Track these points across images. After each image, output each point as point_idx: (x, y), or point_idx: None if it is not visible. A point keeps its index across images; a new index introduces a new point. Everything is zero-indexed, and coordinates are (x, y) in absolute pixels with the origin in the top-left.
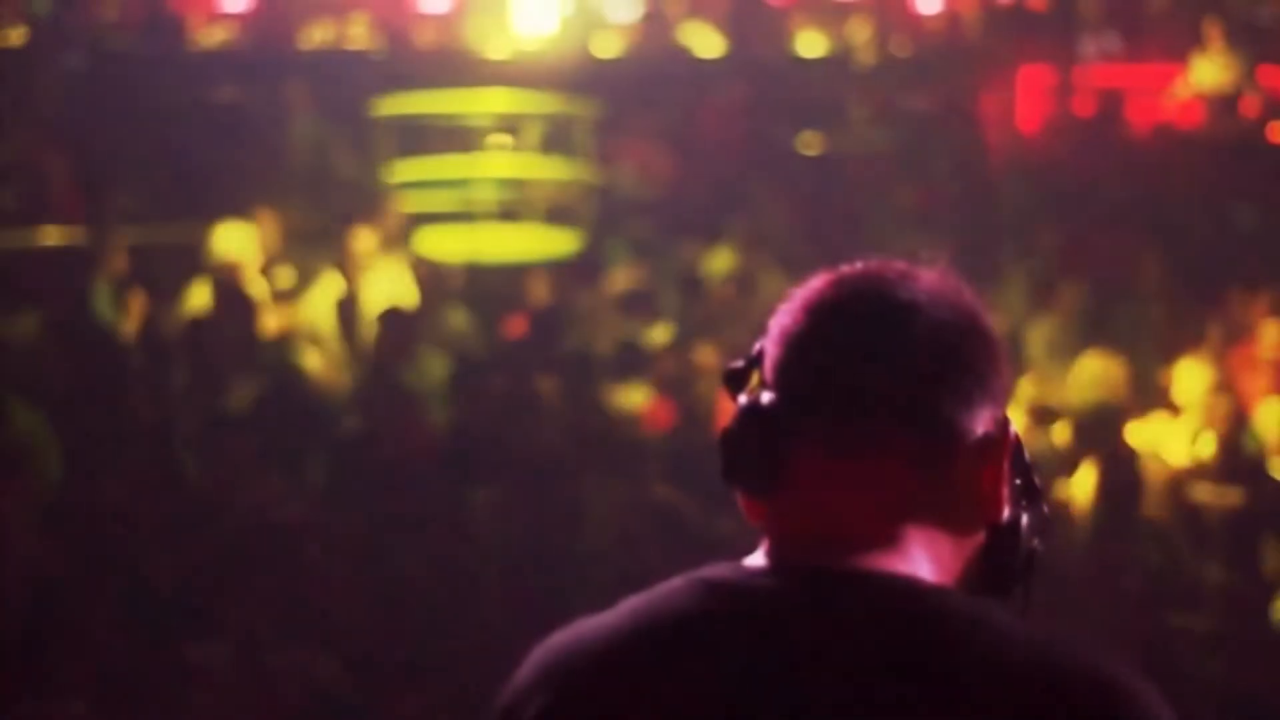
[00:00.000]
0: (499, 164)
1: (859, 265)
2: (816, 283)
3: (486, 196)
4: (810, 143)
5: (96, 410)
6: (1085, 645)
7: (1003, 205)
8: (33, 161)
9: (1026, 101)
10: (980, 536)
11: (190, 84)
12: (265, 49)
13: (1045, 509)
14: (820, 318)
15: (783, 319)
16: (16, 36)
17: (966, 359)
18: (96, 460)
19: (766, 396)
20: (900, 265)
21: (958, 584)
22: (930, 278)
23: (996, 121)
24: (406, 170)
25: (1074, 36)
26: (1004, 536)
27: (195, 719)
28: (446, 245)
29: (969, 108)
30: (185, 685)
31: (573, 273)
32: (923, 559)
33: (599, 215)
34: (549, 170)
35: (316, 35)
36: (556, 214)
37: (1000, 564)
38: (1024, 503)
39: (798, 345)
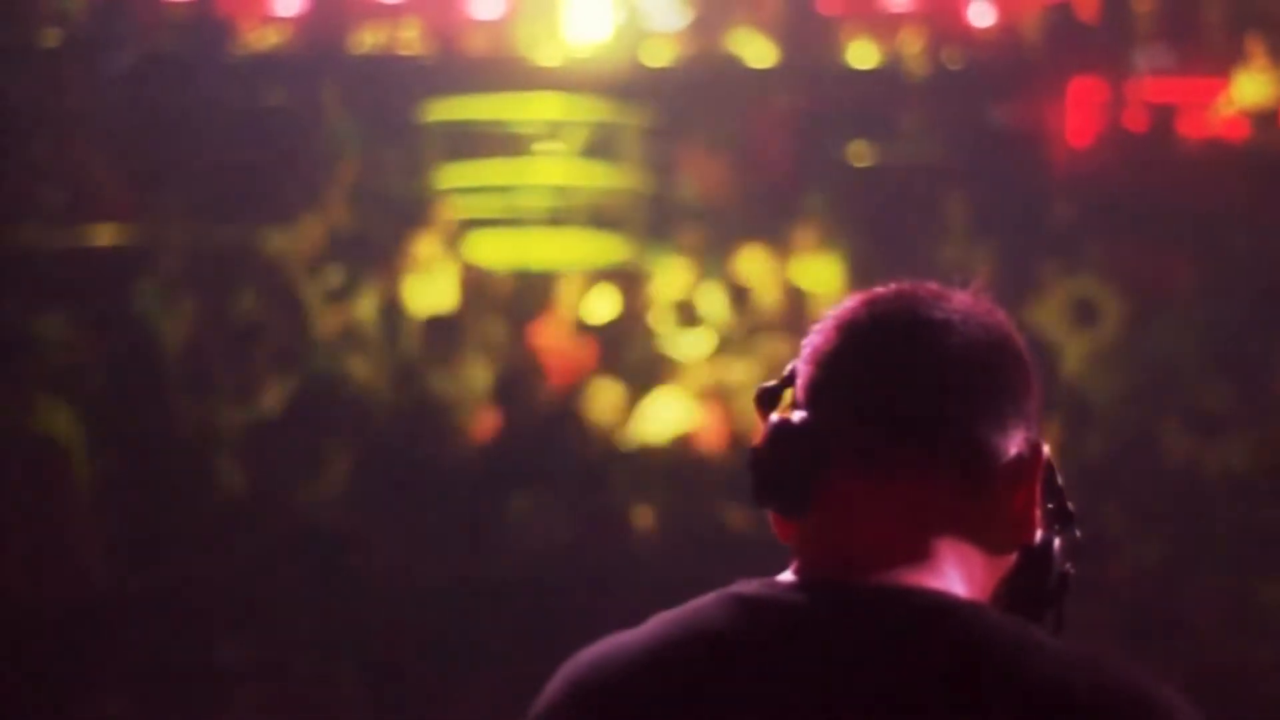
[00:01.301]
0: (548, 170)
1: (892, 285)
2: (849, 302)
3: (535, 203)
4: (861, 154)
5: (136, 411)
6: (1121, 663)
7: (1053, 219)
8: (81, 161)
9: (1078, 115)
10: (1013, 557)
11: (239, 87)
12: (315, 53)
13: (1078, 532)
14: (852, 337)
15: (815, 338)
16: (56, 37)
17: (999, 379)
18: (134, 461)
19: (798, 416)
20: (933, 285)
21: (990, 605)
22: (963, 298)
23: (1047, 135)
24: (455, 175)
25: (1126, 50)
26: (1036, 559)
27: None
28: (494, 251)
29: (1020, 121)
30: (217, 687)
31: (620, 281)
32: (956, 576)
33: (648, 223)
34: (598, 177)
35: (367, 39)
36: (605, 221)
37: (1032, 586)
38: (1057, 526)
39: (830, 364)
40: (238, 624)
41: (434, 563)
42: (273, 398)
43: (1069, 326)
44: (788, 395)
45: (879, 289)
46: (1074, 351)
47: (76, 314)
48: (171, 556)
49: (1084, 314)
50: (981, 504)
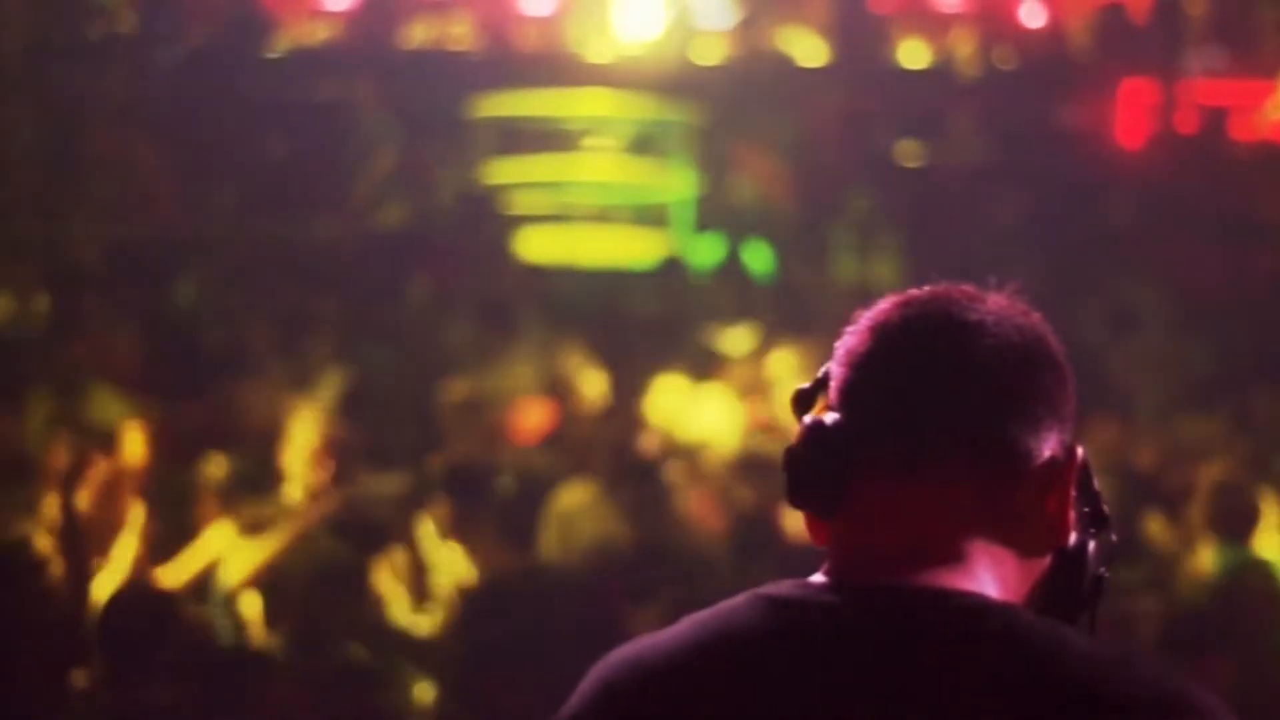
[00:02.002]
0: (597, 166)
1: (927, 288)
2: (883, 304)
3: (584, 199)
4: (910, 153)
5: (181, 401)
6: (1155, 664)
7: (1103, 221)
8: (131, 154)
9: (1128, 116)
10: (1047, 560)
11: (289, 81)
12: (365, 47)
13: (1113, 535)
14: (886, 339)
15: (849, 340)
16: (107, 32)
17: (1032, 381)
18: (181, 450)
19: (831, 417)
20: (968, 288)
21: (1024, 607)
22: (998, 300)
23: (1098, 136)
24: (505, 171)
25: (1178, 52)
26: (1070, 561)
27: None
28: (543, 246)
29: (1071, 122)
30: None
31: (669, 278)
32: (988, 578)
33: (696, 221)
34: (646, 174)
35: (418, 35)
36: (653, 218)
37: (1066, 589)
38: (1092, 529)
39: (863, 366)
40: (275, 613)
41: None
42: (321, 391)
43: (1115, 328)
44: (823, 398)
45: (913, 291)
46: (1120, 353)
47: (124, 304)
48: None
49: (1132, 316)
50: (1014, 506)
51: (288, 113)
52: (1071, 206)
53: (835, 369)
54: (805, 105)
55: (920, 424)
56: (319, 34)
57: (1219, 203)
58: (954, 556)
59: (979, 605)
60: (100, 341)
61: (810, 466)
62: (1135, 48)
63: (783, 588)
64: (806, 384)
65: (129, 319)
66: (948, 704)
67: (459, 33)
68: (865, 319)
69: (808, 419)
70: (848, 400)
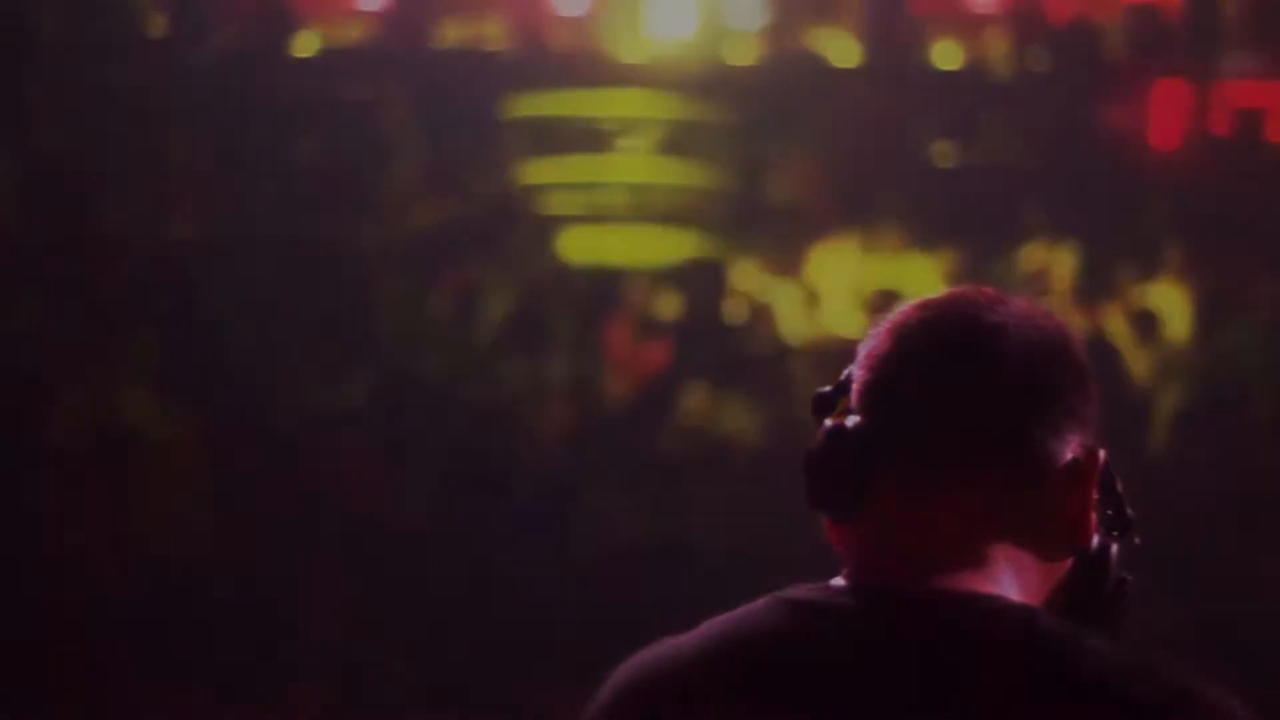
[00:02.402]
0: (630, 167)
1: (947, 290)
2: (905, 307)
3: (616, 200)
4: (944, 154)
5: (219, 402)
6: (1177, 668)
7: (1135, 223)
8: (165, 153)
9: (1163, 118)
10: (1068, 563)
11: (320, 80)
12: (397, 47)
13: (1137, 539)
14: (907, 341)
15: (870, 343)
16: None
17: (1055, 383)
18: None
19: (851, 420)
20: (990, 290)
21: (1045, 610)
22: (1020, 302)
23: (1132, 138)
24: (537, 171)
25: (1212, 53)
26: (1091, 564)
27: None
28: (575, 247)
29: (1104, 123)
30: (289, 678)
31: (700, 278)
32: (1009, 582)
33: (729, 222)
34: (679, 175)
35: (450, 34)
36: (685, 219)
37: (1088, 592)
38: (1115, 532)
39: (883, 369)
40: (315, 617)
41: (508, 557)
42: (352, 392)
43: (1144, 332)
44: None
45: (934, 294)
46: (1146, 357)
47: (162, 304)
48: (251, 549)
49: (1161, 319)
50: (1035, 509)
51: (319, 113)
52: (1104, 208)
53: (857, 372)
54: (837, 106)
55: (940, 426)
56: (351, 34)
57: (1254, 205)
58: (974, 559)
59: (999, 608)
60: (133, 342)
61: (830, 469)
62: (1169, 49)
63: (802, 591)
64: (828, 387)
65: (159, 319)
66: (967, 708)
67: (492, 33)
68: (886, 321)
69: (828, 422)
70: (868, 403)
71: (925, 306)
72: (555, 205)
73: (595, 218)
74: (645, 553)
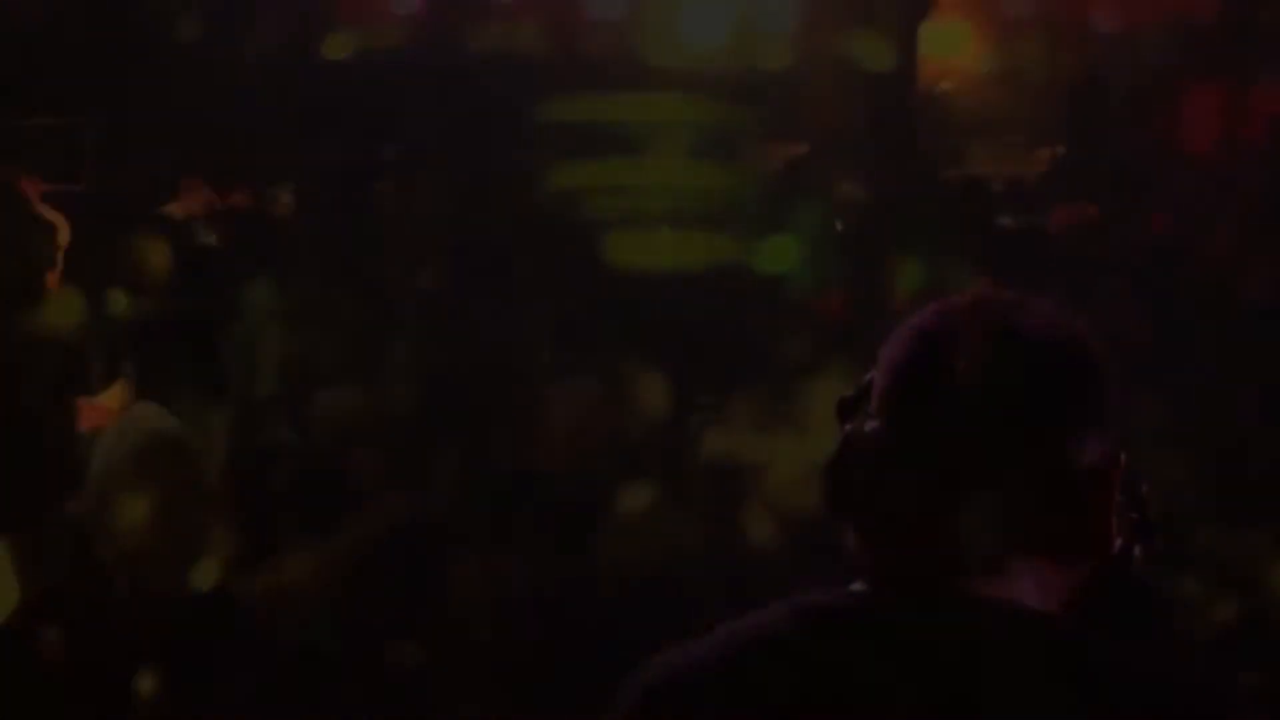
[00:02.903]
0: (664, 171)
1: (968, 294)
2: (925, 311)
3: (651, 203)
4: (977, 160)
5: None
6: (1196, 673)
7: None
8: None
9: (1196, 123)
10: (1088, 567)
11: (353, 84)
12: (431, 51)
13: (1159, 543)
14: (927, 346)
15: (891, 347)
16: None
17: (1076, 388)
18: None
19: (871, 425)
20: (1010, 294)
21: (1064, 615)
22: (1039, 307)
23: (1168, 142)
24: (571, 176)
25: (1250, 58)
26: (1113, 569)
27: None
28: (610, 251)
29: (1139, 128)
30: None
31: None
32: (1028, 587)
33: (762, 225)
34: (714, 179)
35: (485, 38)
36: (720, 222)
37: (1108, 597)
38: (1136, 535)
39: (904, 373)
40: (337, 615)
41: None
42: (388, 393)
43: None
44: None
45: (955, 298)
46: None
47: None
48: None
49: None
50: (1055, 514)
51: (352, 116)
52: (1134, 213)
53: (877, 377)
54: (870, 110)
55: (959, 431)
56: (385, 37)
57: None
58: (993, 565)
59: (1016, 614)
60: (172, 345)
61: (848, 475)
62: (1206, 54)
63: (818, 596)
64: (850, 392)
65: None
66: (984, 714)
67: (526, 37)
68: (906, 326)
69: (848, 427)
70: (888, 407)
71: (945, 311)
72: (591, 209)
73: (629, 222)
74: (685, 559)
